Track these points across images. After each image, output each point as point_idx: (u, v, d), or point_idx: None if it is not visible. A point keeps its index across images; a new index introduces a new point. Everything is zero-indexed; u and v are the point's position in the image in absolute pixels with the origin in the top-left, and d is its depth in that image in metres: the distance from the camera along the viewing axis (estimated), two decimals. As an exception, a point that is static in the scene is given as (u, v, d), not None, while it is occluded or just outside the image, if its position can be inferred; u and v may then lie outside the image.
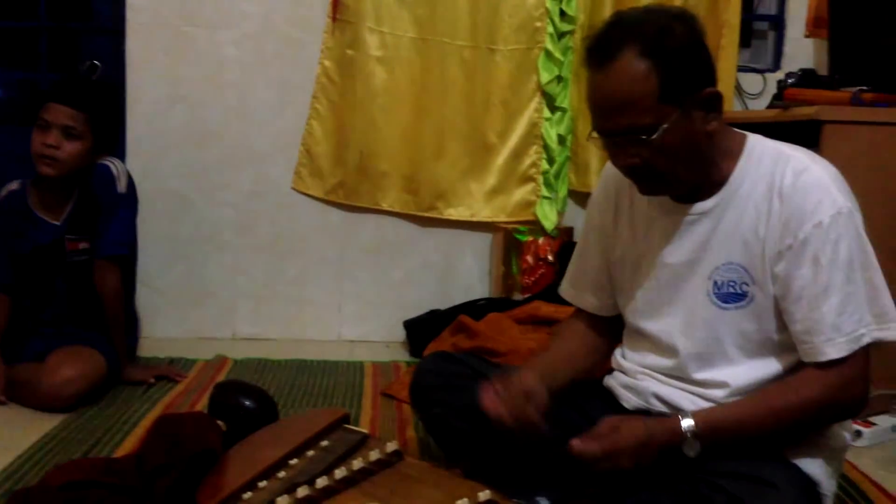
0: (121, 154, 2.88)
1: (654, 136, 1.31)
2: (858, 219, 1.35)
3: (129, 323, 2.59)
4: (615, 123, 1.34)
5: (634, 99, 1.30)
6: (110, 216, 2.43)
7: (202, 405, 2.22)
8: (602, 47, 1.33)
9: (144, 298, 3.07)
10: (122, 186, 2.45)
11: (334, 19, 2.99)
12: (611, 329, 1.66)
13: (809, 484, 1.37)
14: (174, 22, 2.99)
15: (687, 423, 1.33)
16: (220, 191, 3.09)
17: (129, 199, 2.49)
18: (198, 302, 3.12)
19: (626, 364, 1.57)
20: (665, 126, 1.31)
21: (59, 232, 2.42)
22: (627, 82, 1.30)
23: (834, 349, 1.31)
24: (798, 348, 1.36)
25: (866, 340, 1.32)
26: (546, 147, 3.11)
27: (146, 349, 2.88)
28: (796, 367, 1.38)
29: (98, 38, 3.04)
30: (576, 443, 1.34)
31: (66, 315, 2.46)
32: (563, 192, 3.15)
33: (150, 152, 3.02)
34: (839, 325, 1.31)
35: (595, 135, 1.39)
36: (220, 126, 3.05)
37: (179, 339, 3.07)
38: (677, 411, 1.41)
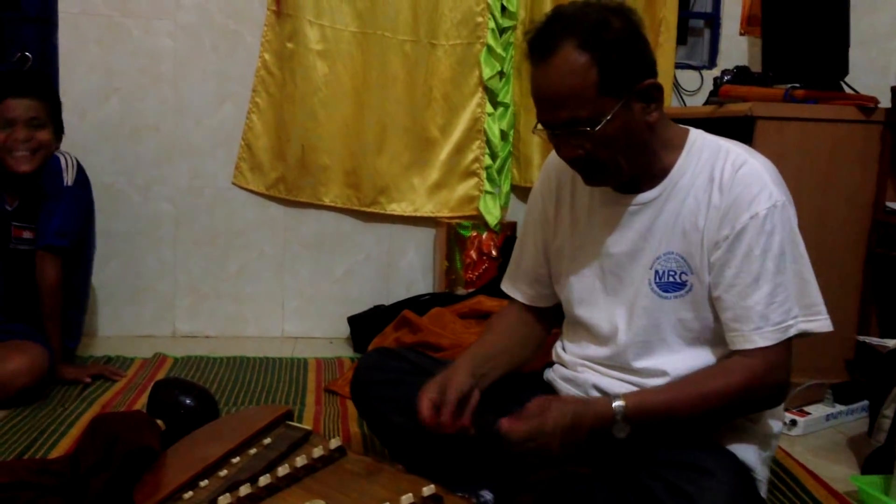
0: (53, 148, 2.81)
1: (596, 128, 1.34)
2: (792, 212, 1.39)
3: (75, 320, 2.54)
4: (557, 116, 1.36)
5: (575, 92, 1.32)
6: (53, 207, 2.40)
7: (141, 404, 2.18)
8: (542, 41, 1.35)
9: (79, 296, 3.00)
10: (69, 179, 2.43)
11: (278, 14, 2.95)
12: (545, 320, 1.68)
13: (744, 470, 1.41)
14: (107, 12, 2.92)
15: (617, 404, 1.35)
16: (156, 185, 3.03)
17: (77, 192, 2.46)
18: (135, 299, 3.06)
19: (565, 356, 1.59)
20: (606, 118, 1.33)
21: (8, 217, 2.42)
22: (568, 75, 1.32)
23: (761, 338, 1.35)
24: (727, 336, 1.39)
25: (793, 332, 1.36)
26: (488, 142, 3.13)
27: (82, 348, 2.81)
28: (728, 356, 1.41)
29: (26, 28, 2.94)
30: (504, 422, 1.35)
31: (2, 306, 2.41)
32: (506, 187, 3.16)
33: (83, 146, 2.94)
34: (767, 315, 1.34)
35: (540, 127, 1.41)
36: (156, 119, 2.99)
37: (117, 337, 3.01)
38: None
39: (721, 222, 1.38)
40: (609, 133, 1.35)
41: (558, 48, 1.33)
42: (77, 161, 2.50)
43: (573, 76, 1.32)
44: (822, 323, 1.39)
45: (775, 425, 1.50)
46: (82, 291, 2.63)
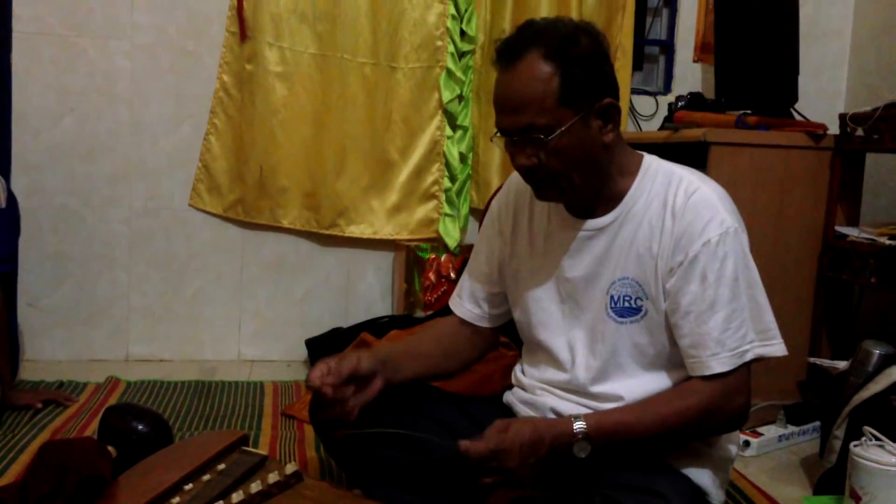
0: (5, 168, 2.76)
1: (551, 137, 1.36)
2: (744, 238, 1.41)
3: (11, 345, 2.47)
4: (515, 122, 1.38)
5: (535, 98, 1.35)
6: None
7: (92, 430, 2.13)
8: (510, 48, 1.38)
9: (31, 319, 2.94)
10: (2, 201, 2.35)
11: (243, 37, 2.94)
12: (481, 339, 1.69)
13: (699, 494, 1.43)
14: (62, 32, 2.88)
15: (578, 425, 1.36)
16: (111, 206, 2.99)
17: (10, 214, 2.39)
18: (88, 322, 3.01)
19: (524, 380, 1.60)
20: (562, 128, 1.35)
21: None
22: (530, 82, 1.35)
23: (718, 363, 1.36)
24: (685, 362, 1.41)
25: (749, 357, 1.38)
26: (448, 165, 3.14)
27: (33, 372, 2.76)
28: (687, 380, 1.43)
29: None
30: (464, 443, 1.35)
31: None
32: (465, 209, 3.18)
33: (37, 166, 2.90)
34: (724, 341, 1.36)
35: (498, 134, 1.43)
36: (111, 139, 2.96)
37: (69, 361, 2.95)
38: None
39: (674, 249, 1.40)
40: (563, 145, 1.37)
41: (524, 55, 1.35)
42: (4, 182, 2.42)
43: (535, 83, 1.34)
44: (777, 347, 1.41)
45: (731, 449, 1.52)
46: (14, 310, 2.56)
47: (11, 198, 2.39)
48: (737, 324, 1.37)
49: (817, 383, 2.48)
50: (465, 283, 1.70)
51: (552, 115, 1.35)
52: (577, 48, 1.36)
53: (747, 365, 1.39)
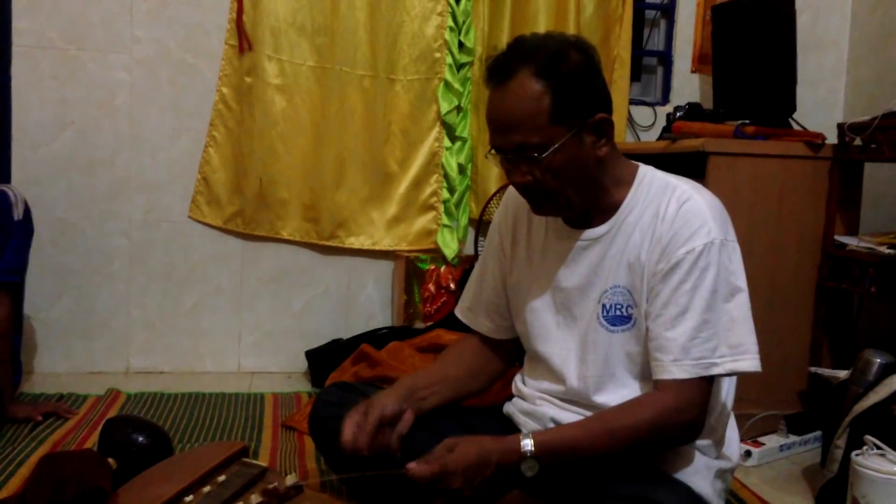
0: (5, 181, 2.77)
1: (545, 155, 1.36)
2: (731, 250, 1.40)
3: (15, 357, 2.47)
4: (508, 141, 1.38)
5: (527, 117, 1.35)
6: (4, 243, 2.35)
7: (92, 442, 2.13)
8: (500, 67, 1.38)
9: (31, 331, 2.94)
10: (18, 213, 2.39)
11: (242, 50, 2.95)
12: (504, 352, 1.69)
13: (699, 503, 1.42)
14: (62, 45, 2.89)
15: (525, 443, 1.35)
16: (110, 219, 2.99)
17: (25, 228, 2.42)
18: (88, 334, 3.00)
19: (525, 390, 1.60)
20: (555, 146, 1.36)
21: None
22: (521, 101, 1.35)
23: (679, 369, 1.35)
24: (650, 365, 1.40)
25: (719, 371, 1.36)
26: (447, 176, 3.15)
27: (33, 385, 2.76)
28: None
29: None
30: (411, 465, 1.35)
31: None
32: (463, 220, 3.18)
33: (37, 179, 2.90)
34: (689, 349, 1.35)
35: (492, 152, 1.43)
36: (111, 152, 2.96)
37: (69, 373, 2.95)
38: (518, 432, 1.44)
39: (660, 255, 1.40)
40: (558, 162, 1.37)
41: (515, 74, 1.35)
42: (23, 195, 2.45)
43: (527, 102, 1.34)
44: (749, 363, 1.38)
45: (732, 458, 1.52)
46: (21, 322, 2.57)
47: (26, 211, 2.41)
48: (706, 335, 1.35)
49: (818, 393, 2.48)
50: (478, 299, 1.69)
51: (545, 133, 1.35)
52: (567, 64, 1.36)
53: (709, 380, 1.37)
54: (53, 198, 2.93)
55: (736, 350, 1.37)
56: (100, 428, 1.93)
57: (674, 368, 1.35)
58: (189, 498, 1.51)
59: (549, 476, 1.36)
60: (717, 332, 1.36)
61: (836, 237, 2.48)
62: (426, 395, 1.57)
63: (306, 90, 3.02)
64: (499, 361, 1.69)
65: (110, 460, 1.73)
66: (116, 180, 2.98)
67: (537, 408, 1.54)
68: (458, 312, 1.74)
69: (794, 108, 2.59)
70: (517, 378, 1.66)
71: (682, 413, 1.36)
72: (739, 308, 1.39)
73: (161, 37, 2.96)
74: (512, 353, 1.70)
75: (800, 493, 2.09)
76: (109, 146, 2.96)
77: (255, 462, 1.65)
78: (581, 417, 1.47)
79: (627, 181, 1.48)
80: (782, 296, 2.46)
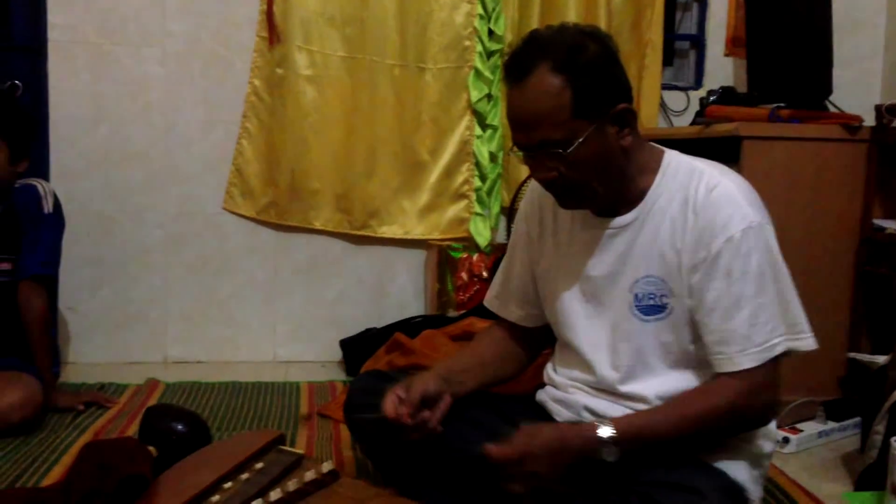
0: (44, 175, 2.81)
1: (569, 151, 1.35)
2: (769, 232, 1.39)
3: (53, 348, 2.52)
4: (531, 138, 1.37)
5: (548, 114, 1.34)
6: (37, 236, 2.39)
7: (133, 431, 2.17)
8: (517, 64, 1.37)
9: (71, 323, 3.00)
10: (48, 206, 2.42)
11: (272, 42, 2.97)
12: (533, 339, 1.69)
13: (735, 490, 1.41)
14: (96, 40, 2.93)
15: (605, 428, 1.35)
16: (146, 212, 3.03)
17: (56, 220, 2.45)
18: (127, 325, 3.05)
19: (556, 378, 1.59)
20: (579, 140, 1.35)
21: None
22: (541, 97, 1.34)
23: (746, 359, 1.35)
24: (710, 359, 1.39)
25: (779, 350, 1.36)
26: (478, 164, 3.14)
27: (74, 375, 2.81)
28: (714, 378, 1.41)
29: (16, 56, 2.96)
30: (491, 447, 1.35)
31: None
32: (495, 208, 3.18)
33: (74, 173, 2.95)
34: (751, 336, 1.34)
35: (515, 148, 1.42)
36: (146, 146, 3.00)
37: (109, 363, 3.00)
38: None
39: (696, 245, 1.38)
40: (582, 156, 1.36)
41: (533, 70, 1.34)
42: (52, 188, 2.48)
43: (547, 98, 1.33)
44: (807, 341, 1.39)
45: (767, 444, 1.50)
46: (55, 313, 2.61)
47: (56, 204, 2.45)
48: (764, 318, 1.35)
49: (857, 378, 2.45)
50: (507, 289, 1.69)
51: (567, 128, 1.34)
52: (585, 56, 1.34)
53: (775, 360, 1.37)
54: (90, 191, 2.97)
55: (793, 329, 1.38)
56: (140, 417, 1.96)
57: (741, 359, 1.35)
58: (227, 485, 1.53)
59: (624, 461, 1.36)
60: (773, 313, 1.36)
61: (875, 221, 2.44)
62: (463, 379, 1.58)
63: (337, 80, 3.03)
64: (529, 348, 1.69)
65: (151, 448, 1.75)
66: (151, 173, 3.02)
67: (570, 396, 1.54)
68: (487, 302, 1.74)
69: (830, 91, 2.55)
70: (548, 366, 1.66)
71: (758, 396, 1.36)
72: (788, 287, 1.39)
73: (193, 30, 2.98)
74: (541, 340, 1.70)
75: (838, 479, 2.06)
76: (144, 139, 3.00)
77: (291, 450, 1.67)
78: (614, 406, 1.47)
79: (653, 168, 1.46)
80: (820, 281, 2.43)
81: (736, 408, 1.36)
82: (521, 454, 1.34)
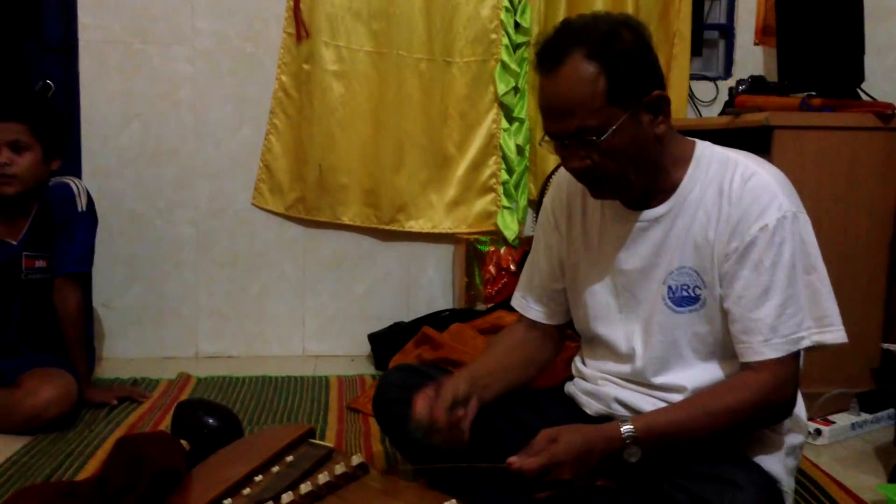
0: (76, 174, 2.86)
1: (603, 138, 1.34)
2: (804, 222, 1.38)
3: (88, 344, 2.56)
4: (565, 126, 1.36)
5: (583, 101, 1.33)
6: (71, 234, 2.42)
7: (165, 425, 2.19)
8: (551, 52, 1.36)
9: (105, 319, 3.05)
10: (82, 204, 2.45)
11: (299, 38, 2.98)
12: (551, 340, 1.67)
13: (770, 483, 1.40)
14: (126, 39, 2.96)
15: (626, 429, 1.34)
16: (177, 208, 3.06)
17: (90, 218, 2.49)
18: (159, 321, 3.09)
19: (586, 370, 1.59)
20: (613, 128, 1.34)
21: (15, 251, 2.40)
22: (576, 85, 1.33)
23: (771, 349, 1.33)
24: (736, 348, 1.38)
25: (806, 343, 1.34)
26: (505, 157, 3.14)
27: (108, 370, 2.85)
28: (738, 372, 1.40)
29: (49, 57, 3.00)
30: (513, 460, 1.34)
31: (21, 336, 2.42)
32: (523, 201, 3.17)
33: (106, 171, 2.99)
34: (777, 327, 1.33)
35: (547, 139, 1.41)
36: (176, 143, 3.03)
37: (141, 359, 3.04)
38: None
39: (731, 234, 1.37)
40: (616, 143, 1.35)
41: (567, 58, 1.33)
42: (85, 186, 2.52)
43: (582, 85, 1.33)
44: (835, 335, 1.36)
45: (800, 436, 1.49)
46: (90, 310, 2.65)
47: (90, 202, 2.48)
48: (792, 310, 1.34)
49: (891, 370, 2.41)
50: (529, 285, 1.68)
51: (602, 115, 1.33)
52: (619, 44, 1.33)
53: (798, 353, 1.35)
54: (122, 189, 3.01)
55: (821, 322, 1.36)
56: (172, 411, 1.99)
57: (765, 349, 1.34)
58: (259, 478, 1.55)
59: (647, 460, 1.35)
60: (801, 306, 1.34)
61: (909, 210, 2.40)
62: (488, 385, 1.55)
63: (363, 75, 3.04)
64: (546, 350, 1.67)
65: (183, 442, 1.78)
66: (182, 170, 3.05)
67: (600, 388, 1.54)
68: (513, 303, 1.73)
69: (862, 78, 2.51)
70: (576, 359, 1.65)
71: (780, 391, 1.35)
72: (820, 279, 1.37)
73: (221, 28, 3.01)
74: (559, 340, 1.69)
75: (872, 471, 2.04)
76: (174, 137, 3.03)
77: (321, 443, 1.69)
78: (645, 397, 1.46)
79: (685, 159, 1.45)
80: (853, 271, 2.40)
81: (760, 403, 1.34)
82: (547, 462, 1.33)
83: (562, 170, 1.55)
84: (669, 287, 1.44)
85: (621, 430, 1.34)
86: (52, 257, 2.42)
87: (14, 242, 2.40)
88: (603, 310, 1.53)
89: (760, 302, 1.34)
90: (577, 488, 1.37)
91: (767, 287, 1.34)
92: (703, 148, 1.46)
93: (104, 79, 2.97)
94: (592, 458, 1.34)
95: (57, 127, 2.46)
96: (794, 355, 1.35)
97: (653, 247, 1.46)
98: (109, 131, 2.99)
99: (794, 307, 1.34)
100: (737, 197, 1.37)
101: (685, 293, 1.43)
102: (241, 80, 3.04)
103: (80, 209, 2.45)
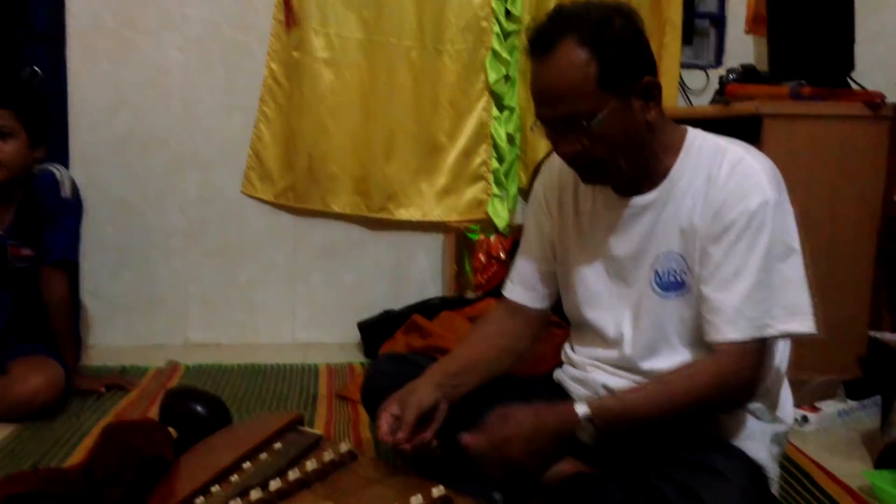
0: (64, 162, 2.84)
1: (594, 123, 1.34)
2: (786, 212, 1.37)
3: (76, 332, 2.55)
4: (556, 111, 1.36)
5: (574, 86, 1.33)
6: (56, 222, 2.40)
7: (154, 413, 2.19)
8: (543, 38, 1.36)
9: (93, 308, 3.04)
10: (66, 191, 2.43)
11: (288, 25, 2.97)
12: (531, 327, 1.66)
13: (756, 470, 1.40)
14: (115, 27, 2.94)
15: (581, 409, 1.33)
16: (166, 197, 3.05)
17: (75, 205, 2.47)
18: (148, 309, 3.08)
19: (574, 357, 1.59)
20: (604, 113, 1.34)
21: (0, 240, 2.38)
22: (567, 70, 1.33)
23: (734, 330, 1.33)
24: (702, 329, 1.38)
25: (771, 332, 1.34)
26: (495, 146, 3.13)
27: (96, 358, 2.84)
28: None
29: (36, 45, 2.98)
30: (465, 437, 1.34)
31: (9, 326, 2.41)
32: (513, 190, 3.17)
33: (94, 160, 2.97)
34: (743, 309, 1.33)
35: (538, 124, 1.41)
36: (165, 132, 3.02)
37: (130, 347, 3.03)
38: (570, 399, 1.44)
39: (713, 219, 1.37)
40: (607, 129, 1.35)
41: (559, 44, 1.33)
42: (69, 174, 2.49)
43: (573, 70, 1.33)
44: (804, 325, 1.35)
45: (786, 423, 1.50)
46: (78, 298, 2.64)
47: (74, 189, 2.47)
48: (761, 296, 1.33)
49: (878, 357, 2.42)
50: (517, 267, 1.68)
51: (593, 100, 1.33)
52: (611, 31, 1.33)
53: (764, 341, 1.35)
54: (110, 177, 2.99)
55: (790, 311, 1.35)
56: (161, 399, 1.99)
57: (728, 329, 1.33)
58: (247, 465, 1.55)
59: (604, 443, 1.35)
60: (771, 293, 1.34)
61: (897, 199, 2.41)
62: (458, 381, 1.55)
63: (354, 63, 3.02)
64: (525, 338, 1.66)
65: (171, 430, 1.78)
66: (171, 159, 3.04)
67: (588, 374, 1.54)
68: (503, 291, 1.72)
69: (852, 67, 2.51)
70: (566, 346, 1.65)
71: (739, 375, 1.34)
72: (794, 269, 1.36)
73: (211, 15, 2.99)
74: (539, 327, 1.68)
75: (858, 458, 2.05)
76: (164, 126, 3.02)
77: (309, 430, 1.69)
78: (633, 383, 1.46)
79: (676, 146, 1.45)
80: (841, 259, 2.41)
81: (718, 387, 1.33)
82: (496, 441, 1.33)
83: (554, 156, 1.54)
84: (657, 272, 1.44)
85: (576, 409, 1.33)
86: (39, 246, 2.40)
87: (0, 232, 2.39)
88: (593, 295, 1.54)
89: (730, 283, 1.34)
90: (529, 468, 1.35)
91: (739, 269, 1.34)
92: (695, 136, 1.46)
93: (92, 67, 2.95)
94: (544, 437, 1.33)
95: (41, 114, 2.44)
96: (760, 342, 1.34)
97: (643, 233, 1.46)
98: (98, 119, 2.97)
99: (764, 293, 1.33)
100: (723, 182, 1.37)
101: (672, 278, 1.43)
102: (231, 68, 3.02)
103: (64, 196, 2.42)
